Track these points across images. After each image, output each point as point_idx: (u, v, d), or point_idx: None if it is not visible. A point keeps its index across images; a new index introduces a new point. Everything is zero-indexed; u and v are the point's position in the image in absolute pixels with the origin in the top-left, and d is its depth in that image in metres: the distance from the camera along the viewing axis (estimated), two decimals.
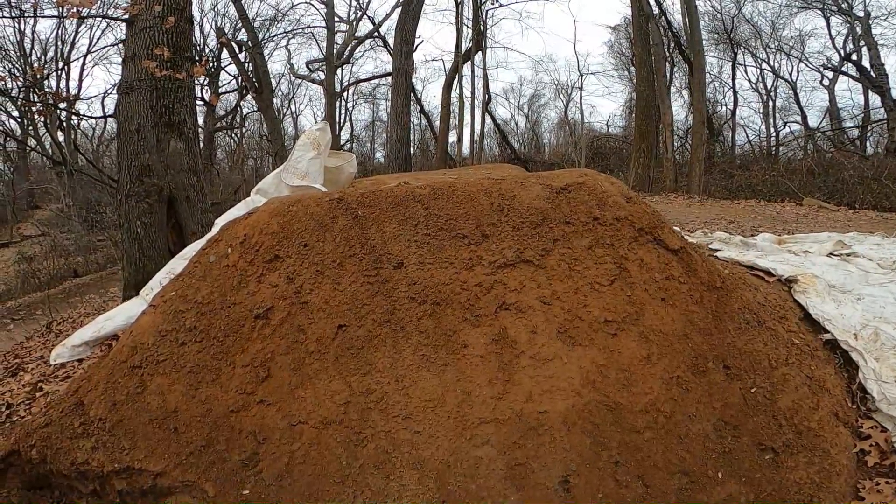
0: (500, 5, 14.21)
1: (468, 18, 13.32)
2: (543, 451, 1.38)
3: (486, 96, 15.67)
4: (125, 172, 5.68)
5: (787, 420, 1.66)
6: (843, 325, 2.19)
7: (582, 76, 21.19)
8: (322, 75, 19.32)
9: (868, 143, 13.52)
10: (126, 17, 5.75)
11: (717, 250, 3.18)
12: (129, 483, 1.56)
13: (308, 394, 1.47)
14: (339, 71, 15.99)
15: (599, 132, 18.44)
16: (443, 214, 1.73)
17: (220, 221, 3.75)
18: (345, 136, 22.58)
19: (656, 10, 10.55)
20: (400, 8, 11.81)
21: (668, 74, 13.44)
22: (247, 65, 15.23)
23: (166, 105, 5.58)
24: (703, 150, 8.74)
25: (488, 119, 17.41)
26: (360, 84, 21.66)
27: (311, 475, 1.40)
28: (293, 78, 20.95)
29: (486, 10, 14.14)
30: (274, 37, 15.37)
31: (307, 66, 19.74)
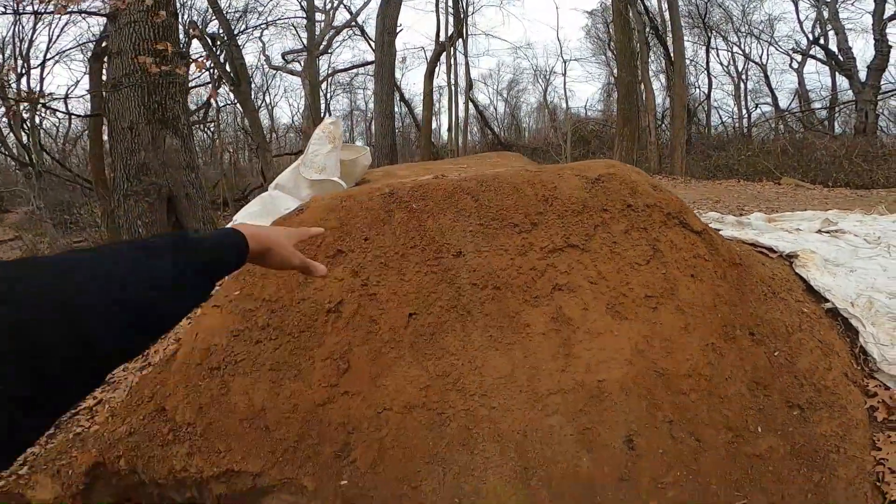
0: None
1: (449, 6, 13.28)
2: (606, 415, 1.54)
3: (469, 83, 15.70)
4: (120, 171, 5.58)
5: (806, 380, 1.87)
6: (842, 294, 2.42)
7: (566, 62, 21.37)
8: (299, 66, 18.99)
9: (836, 124, 14.11)
10: (107, 11, 5.60)
11: (717, 230, 3.40)
12: (229, 487, 1.62)
13: (389, 381, 1.59)
14: (316, 61, 15.73)
15: (580, 116, 18.70)
16: (493, 205, 1.86)
17: (239, 218, 3.79)
18: None
19: None
20: None
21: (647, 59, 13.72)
22: (221, 57, 14.85)
23: (159, 101, 5.49)
24: (684, 133, 9.06)
25: (471, 106, 17.44)
26: (337, 74, 21.37)
27: (402, 458, 1.51)
28: (267, 69, 20.51)
29: None
30: (246, 30, 14.99)
31: (283, 58, 19.35)
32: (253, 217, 3.65)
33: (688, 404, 1.61)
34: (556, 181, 1.96)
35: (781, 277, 2.39)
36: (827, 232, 3.25)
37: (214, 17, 13.20)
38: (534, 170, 2.03)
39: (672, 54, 10.04)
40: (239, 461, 1.62)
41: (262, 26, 14.43)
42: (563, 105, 19.04)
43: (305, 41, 13.76)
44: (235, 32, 13.21)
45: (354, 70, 21.25)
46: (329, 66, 20.49)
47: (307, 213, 1.96)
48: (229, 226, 0.71)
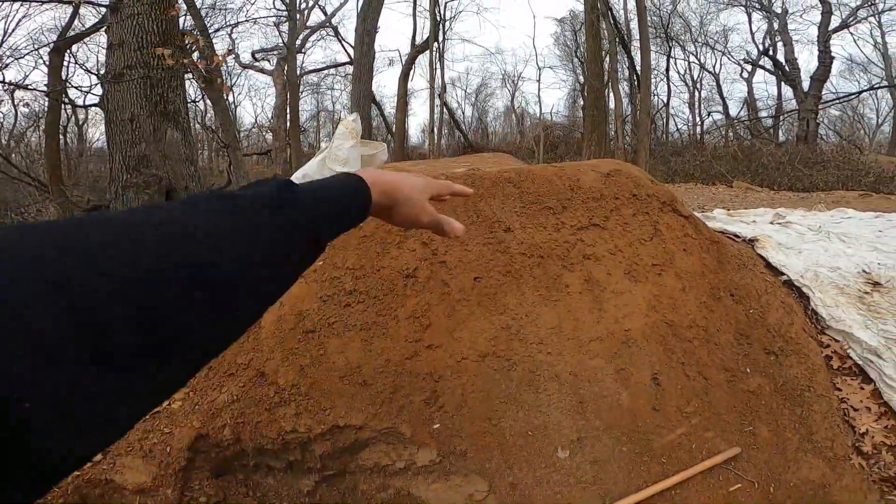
0: None
1: (426, 8, 13.68)
2: (634, 358, 1.99)
3: (443, 86, 16.14)
4: (118, 163, 5.64)
5: (777, 332, 2.40)
6: (794, 269, 3.00)
7: (540, 69, 22.29)
8: (268, 64, 18.87)
9: (780, 132, 15.48)
10: (109, 3, 5.68)
11: None
12: (333, 443, 1.75)
13: (464, 334, 1.96)
14: (295, 59, 15.75)
15: (548, 121, 19.53)
16: (531, 192, 2.29)
17: None
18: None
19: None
20: None
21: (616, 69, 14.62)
22: (193, 54, 14.63)
23: (161, 94, 5.59)
24: (648, 139, 9.85)
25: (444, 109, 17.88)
26: (308, 74, 21.34)
27: (482, 400, 1.81)
28: (237, 67, 20.24)
29: (445, 3, 14.55)
30: (221, 28, 14.84)
31: (253, 56, 19.17)
32: None
33: (692, 349, 2.08)
34: (578, 174, 2.40)
35: (747, 255, 2.94)
36: (778, 223, 3.87)
37: (187, 12, 13.05)
38: (557, 165, 2.48)
39: (637, 63, 10.88)
40: (343, 416, 1.79)
41: (235, 24, 14.35)
42: (531, 110, 19.85)
43: (285, 40, 13.78)
44: (210, 29, 13.10)
45: (325, 71, 21.32)
46: (300, 67, 20.47)
47: None
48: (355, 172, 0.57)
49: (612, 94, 11.49)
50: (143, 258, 0.31)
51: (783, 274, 2.95)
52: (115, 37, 5.60)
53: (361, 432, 1.84)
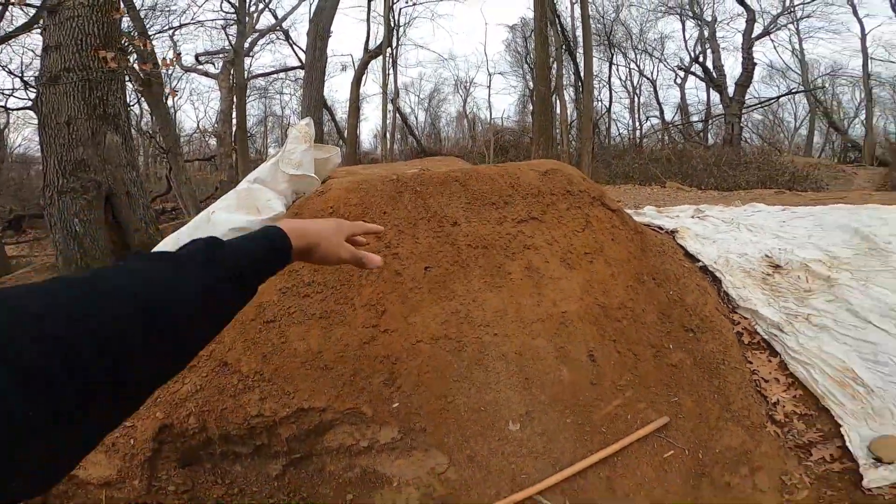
0: (414, 4, 14.89)
1: (379, 14, 13.81)
2: (572, 337, 2.23)
3: (396, 91, 16.28)
4: (53, 168, 5.41)
5: (694, 311, 2.73)
6: (708, 256, 3.39)
7: (490, 76, 22.89)
8: (213, 68, 18.30)
9: (710, 135, 16.73)
10: (46, 4, 5.48)
11: None
12: (298, 426, 1.84)
13: (417, 319, 2.13)
14: (243, 63, 15.40)
15: (499, 126, 20.10)
16: (476, 189, 2.50)
17: (217, 209, 4.03)
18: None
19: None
20: (307, 2, 11.92)
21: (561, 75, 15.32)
22: (131, 56, 13.99)
23: (100, 97, 5.43)
24: (591, 143, 10.44)
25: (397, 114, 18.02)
26: (255, 78, 20.89)
27: (437, 379, 1.95)
28: (178, 70, 19.48)
29: (399, 9, 14.73)
30: (160, 31, 14.30)
31: (196, 59, 18.54)
32: (230, 210, 3.94)
33: (622, 328, 2.36)
34: (518, 173, 2.65)
35: (668, 245, 3.30)
36: (698, 217, 4.32)
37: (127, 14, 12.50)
38: (500, 165, 2.71)
39: (582, 70, 11.49)
40: (307, 399, 1.89)
41: (179, 26, 13.88)
42: (482, 115, 20.36)
43: (232, 42, 13.47)
44: (151, 30, 12.60)
45: (274, 75, 20.94)
46: (247, 70, 20.01)
47: (330, 194, 2.45)
48: (272, 223, 0.64)
49: (558, 100, 12.07)
50: (85, 319, 0.37)
51: (699, 260, 3.33)
52: (52, 39, 5.39)
53: (325, 414, 1.96)
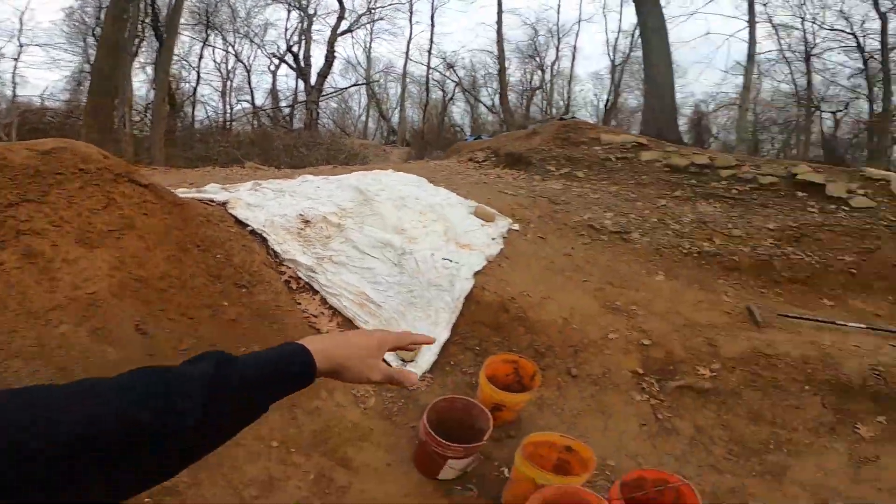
0: None
1: None
2: (109, 315, 2.22)
3: None
4: None
5: (243, 269, 3.17)
6: (257, 221, 3.97)
7: (22, 47, 16.55)
8: None
9: (296, 120, 18.36)
10: None
11: (174, 192, 4.43)
12: None
13: None
14: None
15: (34, 106, 15.38)
16: None
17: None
18: None
19: None
20: None
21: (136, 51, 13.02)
22: None
23: None
24: (164, 125, 9.60)
25: None
26: None
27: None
28: None
29: None
30: None
31: None
32: None
33: (170, 296, 2.52)
34: (5, 153, 2.32)
35: (217, 215, 3.66)
36: (255, 189, 4.91)
37: None
38: None
39: (162, 49, 10.13)
40: None
41: None
42: (7, 93, 15.10)
43: None
44: None
45: None
46: None
47: None
48: (299, 341, 0.62)
49: (126, 80, 10.33)
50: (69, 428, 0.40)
51: (248, 225, 3.87)
52: None
53: None
